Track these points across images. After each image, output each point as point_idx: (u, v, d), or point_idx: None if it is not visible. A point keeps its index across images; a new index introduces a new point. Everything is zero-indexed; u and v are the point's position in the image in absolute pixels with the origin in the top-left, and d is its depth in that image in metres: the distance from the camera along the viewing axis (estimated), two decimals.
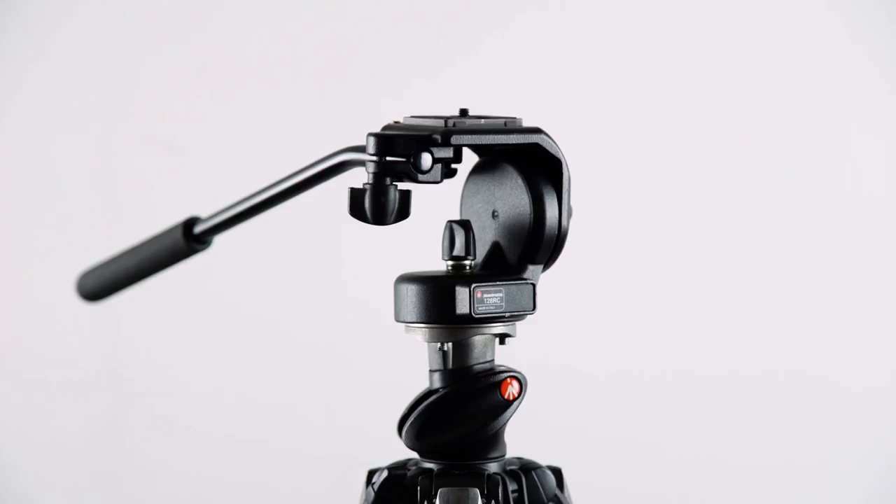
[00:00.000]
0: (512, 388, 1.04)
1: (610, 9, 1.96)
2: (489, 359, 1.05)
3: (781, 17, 1.95)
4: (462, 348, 1.04)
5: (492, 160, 1.06)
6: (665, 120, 1.96)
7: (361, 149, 1.02)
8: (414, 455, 1.08)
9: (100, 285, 1.30)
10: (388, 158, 1.00)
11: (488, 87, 1.99)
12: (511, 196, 1.05)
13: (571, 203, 1.05)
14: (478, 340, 1.04)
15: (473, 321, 1.03)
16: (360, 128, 1.07)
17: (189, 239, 1.22)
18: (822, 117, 1.95)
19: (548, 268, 1.06)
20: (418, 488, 1.03)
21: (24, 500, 2.01)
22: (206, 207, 2.03)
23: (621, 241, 1.98)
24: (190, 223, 1.22)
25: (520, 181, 1.04)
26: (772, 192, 1.96)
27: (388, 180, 1.00)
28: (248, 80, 2.03)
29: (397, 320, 1.05)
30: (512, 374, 1.04)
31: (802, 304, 1.96)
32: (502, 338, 1.05)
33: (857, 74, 1.94)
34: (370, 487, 1.06)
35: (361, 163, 1.02)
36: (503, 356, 1.07)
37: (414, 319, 1.04)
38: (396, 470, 1.06)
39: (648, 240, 1.98)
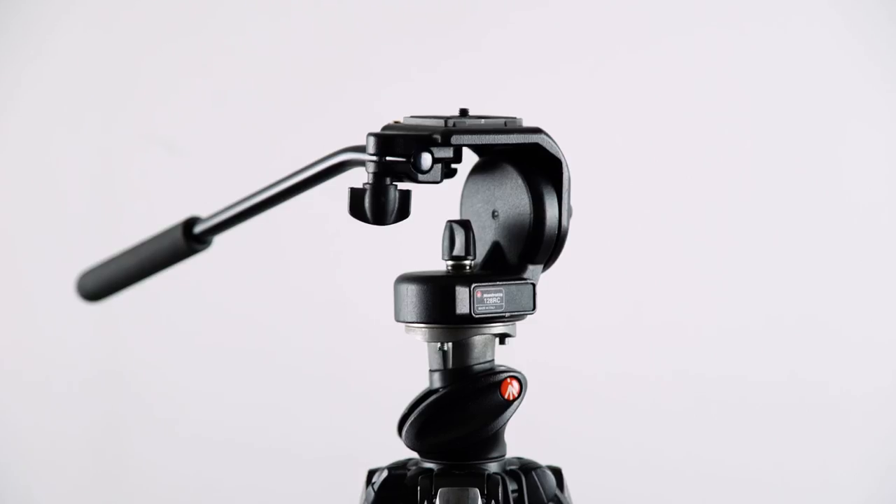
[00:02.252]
0: (512, 388, 1.04)
1: (609, 8, 1.96)
2: (489, 359, 1.05)
3: (781, 16, 1.94)
4: (462, 348, 1.04)
5: (492, 160, 1.06)
6: (666, 120, 1.96)
7: (361, 149, 1.02)
8: (413, 455, 1.08)
9: (100, 285, 1.30)
10: (388, 158, 0.99)
11: (488, 86, 1.99)
12: (511, 196, 1.05)
13: (571, 203, 1.05)
14: (478, 340, 1.04)
15: (473, 321, 1.03)
16: (360, 127, 1.07)
17: (189, 239, 1.22)
18: (824, 120, 1.94)
19: (548, 268, 1.06)
20: (418, 488, 1.03)
21: (24, 501, 2.00)
22: (206, 207, 2.03)
23: (622, 242, 1.98)
24: (190, 223, 1.22)
25: (520, 181, 1.04)
26: (772, 194, 1.96)
27: (388, 180, 1.00)
28: (248, 79, 2.02)
29: (397, 320, 1.05)
30: (512, 373, 1.04)
31: (802, 306, 1.96)
32: (502, 338, 1.05)
33: (857, 75, 1.94)
34: (370, 487, 1.05)
35: (361, 163, 1.02)
36: (503, 356, 1.07)
37: (414, 319, 1.03)
38: (396, 470, 1.06)
39: (649, 241, 1.98)
